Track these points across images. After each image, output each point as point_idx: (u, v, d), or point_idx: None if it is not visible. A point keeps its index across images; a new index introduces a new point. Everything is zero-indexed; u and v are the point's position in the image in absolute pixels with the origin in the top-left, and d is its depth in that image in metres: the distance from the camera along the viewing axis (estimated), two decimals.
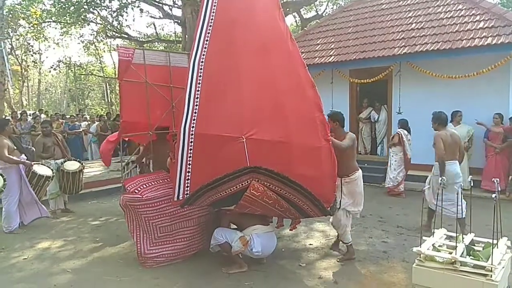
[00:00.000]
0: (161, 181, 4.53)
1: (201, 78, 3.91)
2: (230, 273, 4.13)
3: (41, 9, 18.34)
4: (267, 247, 4.22)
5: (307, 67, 4.13)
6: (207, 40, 4.04)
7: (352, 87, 10.03)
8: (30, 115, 12.94)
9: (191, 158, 3.76)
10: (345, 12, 11.60)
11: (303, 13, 20.61)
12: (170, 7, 16.77)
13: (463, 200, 4.84)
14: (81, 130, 12.62)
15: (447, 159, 5.01)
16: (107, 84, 29.44)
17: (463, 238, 3.34)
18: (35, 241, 5.34)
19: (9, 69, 12.09)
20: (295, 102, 3.93)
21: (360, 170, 4.47)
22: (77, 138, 12.36)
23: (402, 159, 7.77)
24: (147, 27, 45.31)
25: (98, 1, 15.41)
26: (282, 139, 3.76)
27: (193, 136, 3.77)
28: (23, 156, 5.92)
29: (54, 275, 4.23)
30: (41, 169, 6.04)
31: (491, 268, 2.82)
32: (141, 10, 16.83)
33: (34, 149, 6.61)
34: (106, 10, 16.62)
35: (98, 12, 16.86)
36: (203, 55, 3.98)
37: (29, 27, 20.16)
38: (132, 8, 16.53)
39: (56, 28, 20.12)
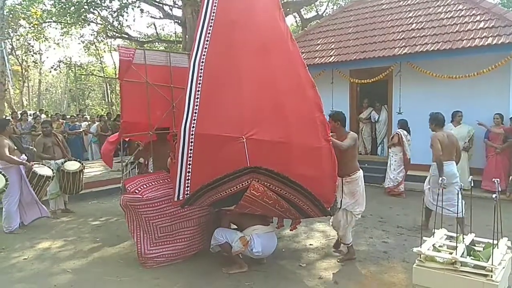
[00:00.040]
0: (161, 181, 4.53)
1: (201, 78, 3.91)
2: (231, 273, 4.13)
3: (41, 9, 18.36)
4: (268, 247, 4.22)
5: (307, 67, 4.13)
6: (207, 40, 4.04)
7: (352, 87, 10.03)
8: (30, 115, 12.96)
9: (191, 158, 3.76)
10: (346, 12, 11.61)
11: (303, 13, 20.62)
12: (171, 7, 16.80)
13: (461, 199, 4.87)
14: (81, 130, 12.63)
15: (444, 160, 5.05)
16: (108, 84, 29.47)
17: (463, 238, 3.34)
18: (35, 241, 5.34)
19: (10, 69, 12.11)
20: (295, 102, 3.93)
21: (361, 170, 4.47)
22: (77, 138, 12.37)
23: (401, 159, 7.78)
24: (147, 27, 45.42)
25: (99, 1, 15.43)
26: (282, 139, 3.76)
27: (193, 136, 3.77)
28: (23, 156, 5.93)
29: (54, 275, 4.24)
30: (42, 169, 6.05)
31: (492, 268, 2.82)
32: (142, 10, 16.88)
33: (36, 150, 6.60)
34: (106, 10, 16.67)
35: (99, 12, 16.88)
36: (204, 55, 3.98)
37: (29, 27, 20.18)
38: (133, 8, 16.57)
39: (56, 28, 20.16)
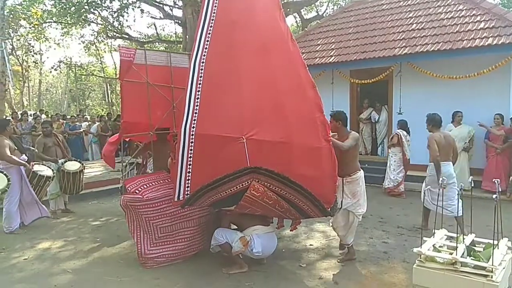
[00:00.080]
0: (161, 182, 4.53)
1: (201, 78, 3.91)
2: (231, 273, 4.13)
3: (42, 9, 18.36)
4: (268, 247, 4.22)
5: (307, 68, 4.12)
6: (207, 41, 4.04)
7: (352, 87, 10.03)
8: (30, 116, 12.98)
9: (191, 159, 3.76)
10: (346, 13, 11.61)
11: (303, 13, 20.62)
12: (171, 7, 16.77)
13: (459, 199, 4.91)
14: (81, 130, 12.64)
15: (441, 160, 5.10)
16: (108, 84, 29.49)
17: (463, 238, 3.34)
18: (35, 242, 5.34)
19: (10, 70, 12.13)
20: (295, 102, 3.93)
21: (362, 171, 4.45)
22: (77, 138, 12.37)
23: (401, 160, 7.79)
24: (147, 27, 45.39)
25: (99, 2, 15.43)
26: (283, 139, 3.76)
27: (193, 137, 3.77)
28: (23, 156, 5.93)
29: (55, 275, 4.24)
30: (42, 170, 6.05)
31: (492, 268, 2.82)
32: (142, 11, 16.86)
33: (37, 150, 6.61)
34: (106, 10, 16.65)
35: (99, 13, 16.88)
36: (204, 55, 3.98)
37: (30, 28, 20.17)
38: (133, 9, 16.56)
39: (57, 29, 20.15)
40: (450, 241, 3.40)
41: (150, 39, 21.23)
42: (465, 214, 4.72)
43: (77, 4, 15.02)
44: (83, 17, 16.17)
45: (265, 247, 4.16)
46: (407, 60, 8.44)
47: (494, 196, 2.99)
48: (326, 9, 21.93)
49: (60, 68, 25.72)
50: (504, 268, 2.98)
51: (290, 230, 4.86)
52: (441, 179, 4.21)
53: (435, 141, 5.13)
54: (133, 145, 7.09)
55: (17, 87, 26.07)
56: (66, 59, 26.41)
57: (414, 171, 7.89)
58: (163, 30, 26.27)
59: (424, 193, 5.37)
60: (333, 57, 9.53)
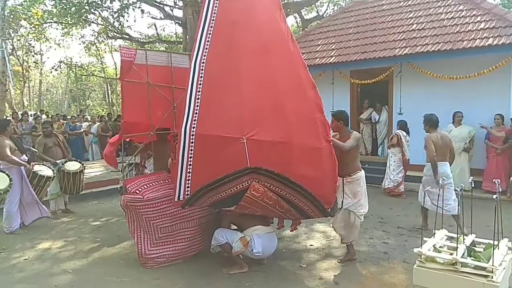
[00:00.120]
0: (162, 182, 4.53)
1: (202, 79, 3.91)
2: (231, 273, 4.13)
3: (42, 9, 18.37)
4: (268, 247, 4.22)
5: (307, 68, 4.13)
6: (208, 41, 4.04)
7: (353, 87, 10.03)
8: (31, 116, 12.98)
9: (191, 159, 3.76)
10: (346, 13, 11.61)
11: (304, 14, 20.62)
12: (171, 8, 16.78)
13: (455, 198, 5.02)
14: (82, 130, 12.65)
15: (438, 161, 5.13)
16: (108, 84, 29.50)
17: (464, 239, 3.34)
18: (35, 242, 5.34)
19: (11, 70, 12.15)
20: (295, 102, 3.93)
21: (363, 171, 4.45)
22: (78, 138, 12.38)
23: (400, 160, 7.79)
24: (148, 27, 45.44)
25: (99, 2, 15.44)
26: (283, 139, 3.76)
27: (193, 137, 3.77)
28: (24, 156, 5.93)
29: (55, 275, 4.24)
30: (42, 170, 6.05)
31: (492, 269, 2.81)
32: (142, 11, 16.87)
33: (37, 151, 6.61)
34: (107, 10, 16.65)
35: (99, 13, 16.89)
36: (204, 56, 3.98)
37: (30, 28, 20.19)
38: (133, 9, 16.56)
39: (57, 29, 20.15)
40: (451, 242, 3.40)
41: (151, 40, 21.23)
42: (465, 215, 4.71)
43: (78, 4, 15.03)
44: (83, 17, 16.16)
45: (265, 247, 4.16)
46: (407, 61, 8.44)
47: (494, 196, 2.99)
48: (327, 9, 21.95)
49: (60, 68, 25.76)
50: (504, 268, 2.98)
51: (291, 231, 4.86)
52: (441, 179, 4.22)
53: (432, 141, 5.17)
54: (133, 145, 7.10)
55: (17, 87, 26.09)
56: (67, 59, 26.52)
57: (413, 171, 7.88)
58: (164, 31, 26.28)
59: (424, 193, 5.38)
60: (334, 58, 9.53)
